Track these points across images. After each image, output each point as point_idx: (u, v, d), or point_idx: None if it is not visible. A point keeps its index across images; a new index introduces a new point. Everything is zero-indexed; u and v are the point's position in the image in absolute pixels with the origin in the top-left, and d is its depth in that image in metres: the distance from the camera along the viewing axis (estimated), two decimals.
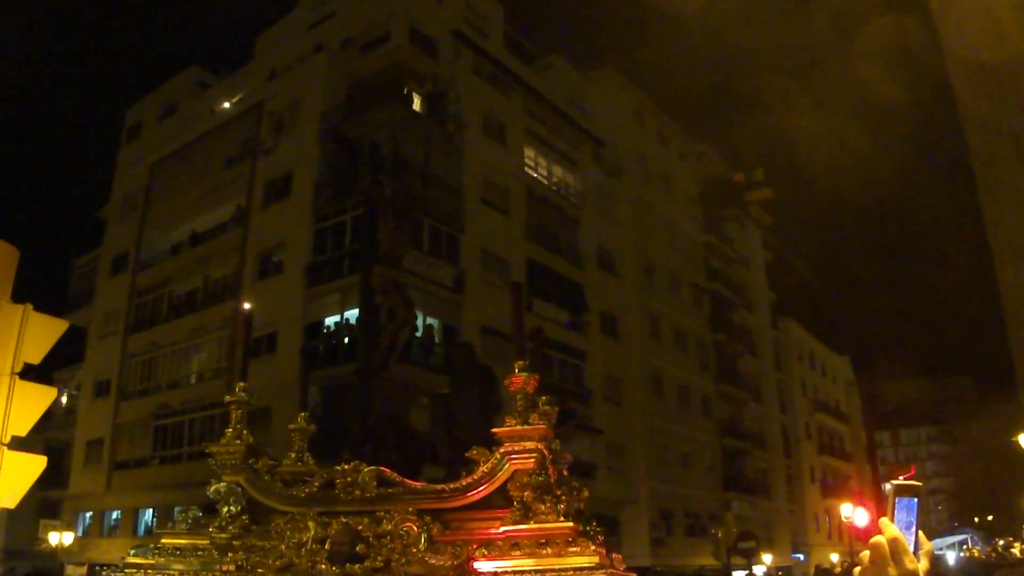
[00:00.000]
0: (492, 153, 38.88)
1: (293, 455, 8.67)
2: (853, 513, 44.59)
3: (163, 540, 7.73)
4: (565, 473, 7.90)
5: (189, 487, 34.71)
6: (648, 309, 47.98)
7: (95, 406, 43.29)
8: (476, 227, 36.15)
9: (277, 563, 7.32)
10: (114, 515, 41.96)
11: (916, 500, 1.99)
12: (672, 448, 48.45)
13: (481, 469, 7.40)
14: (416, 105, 35.98)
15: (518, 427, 7.35)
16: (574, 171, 45.02)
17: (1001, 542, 50.43)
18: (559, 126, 44.21)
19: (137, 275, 42.88)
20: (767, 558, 48.05)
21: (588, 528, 7.40)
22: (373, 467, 7.41)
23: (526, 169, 41.59)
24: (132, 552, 7.74)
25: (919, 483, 2.02)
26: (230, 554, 7.42)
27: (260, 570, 7.31)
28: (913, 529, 1.94)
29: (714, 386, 53.43)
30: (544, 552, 6.89)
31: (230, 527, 7.61)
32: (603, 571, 6.95)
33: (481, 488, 7.38)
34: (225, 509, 7.70)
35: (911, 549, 1.93)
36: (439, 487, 7.43)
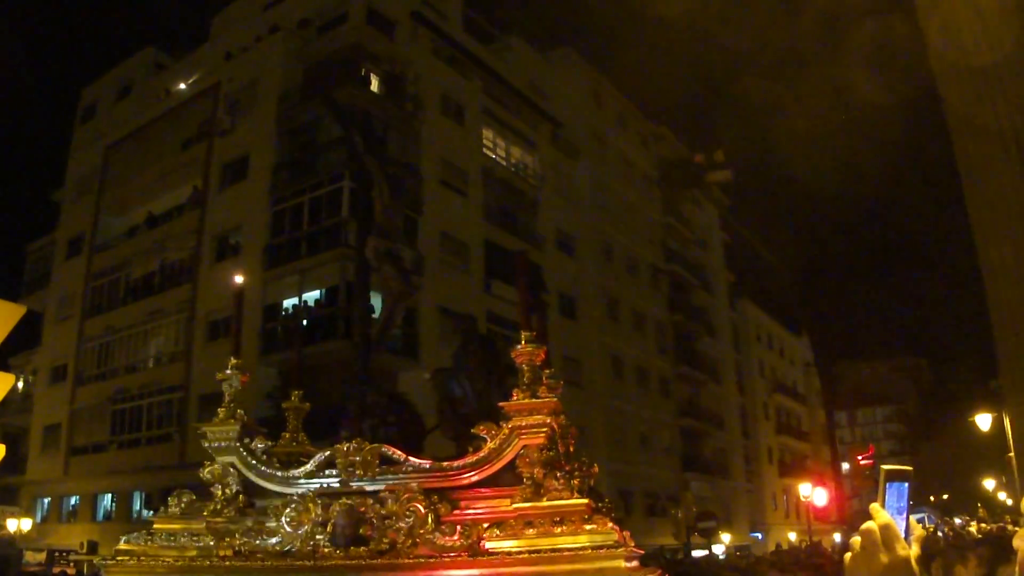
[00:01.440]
0: (450, 134, 38.63)
1: (287, 435, 8.35)
2: (812, 493, 44.95)
3: (156, 525, 7.37)
4: (571, 449, 7.64)
5: (148, 472, 34.33)
6: (606, 290, 47.94)
7: (52, 391, 42.73)
8: (434, 209, 35.90)
9: (276, 547, 7.00)
10: (72, 500, 41.43)
11: (907, 485, 1.89)
12: (631, 429, 48.53)
13: (489, 445, 7.11)
14: (374, 86, 35.60)
15: (526, 401, 7.06)
16: (533, 152, 44.84)
17: (958, 521, 50.99)
18: (518, 107, 43.95)
19: (93, 258, 42.11)
20: (726, 537, 48.29)
21: (601, 505, 7.18)
22: (376, 445, 7.12)
23: (484, 151, 41.37)
24: (124, 539, 7.38)
25: (910, 468, 1.92)
26: (227, 539, 7.10)
27: (259, 555, 7.01)
28: (904, 515, 1.87)
29: (672, 367, 53.56)
30: (559, 530, 6.64)
31: (225, 511, 7.28)
32: (622, 549, 6.74)
33: (490, 465, 7.08)
34: (220, 492, 7.37)
35: (902, 535, 1.86)
36: (445, 464, 7.14)
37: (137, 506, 37.55)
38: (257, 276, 32.81)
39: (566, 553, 6.52)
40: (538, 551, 6.55)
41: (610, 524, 6.91)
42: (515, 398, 7.18)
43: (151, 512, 29.85)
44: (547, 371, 7.66)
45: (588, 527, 6.71)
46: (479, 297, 37.99)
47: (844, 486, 57.60)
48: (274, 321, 32.65)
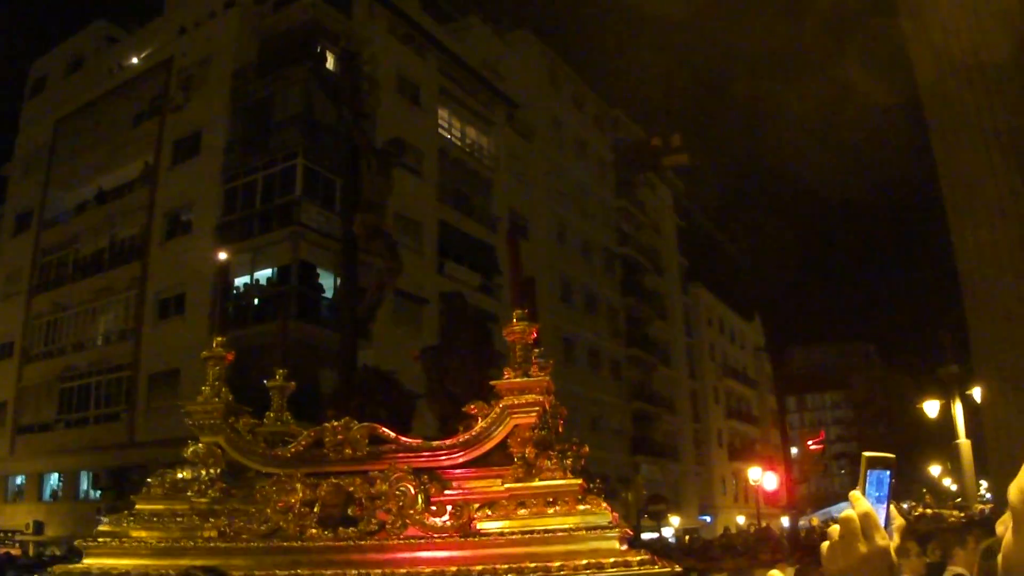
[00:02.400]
0: (406, 114, 38.35)
1: (272, 414, 8.19)
2: (762, 477, 45.29)
3: (138, 506, 7.18)
4: (560, 429, 7.54)
5: (96, 451, 33.92)
6: (560, 273, 47.93)
7: None
8: None
9: (263, 528, 6.84)
10: (18, 480, 40.73)
11: (889, 473, 1.86)
12: (582, 411, 48.58)
13: (480, 424, 6.99)
14: (329, 64, 35.22)
15: (518, 379, 6.95)
16: (488, 133, 44.68)
17: (905, 505, 51.70)
18: (474, 87, 43.74)
19: (41, 234, 41.36)
20: (675, 520, 48.67)
21: (592, 486, 7.09)
22: (365, 423, 6.98)
23: (440, 131, 41.17)
24: (105, 520, 7.19)
25: (892, 455, 1.88)
26: (211, 519, 6.93)
27: (244, 536, 6.85)
28: (885, 504, 1.82)
29: (624, 350, 53.71)
30: (551, 511, 6.55)
31: (210, 491, 7.12)
32: (616, 530, 6.66)
33: (480, 445, 6.96)
34: (204, 472, 7.19)
35: (882, 525, 1.80)
36: (436, 444, 7.02)
37: (84, 486, 37.04)
38: (208, 254, 32.43)
39: (559, 534, 6.42)
40: (530, 532, 6.44)
41: (604, 505, 6.85)
42: (506, 377, 7.11)
43: (99, 492, 29.41)
44: (536, 350, 7.59)
45: (581, 508, 6.62)
46: (432, 277, 37.83)
47: (794, 470, 58.17)
48: (225, 299, 32.24)
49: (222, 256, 9.10)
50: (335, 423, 6.96)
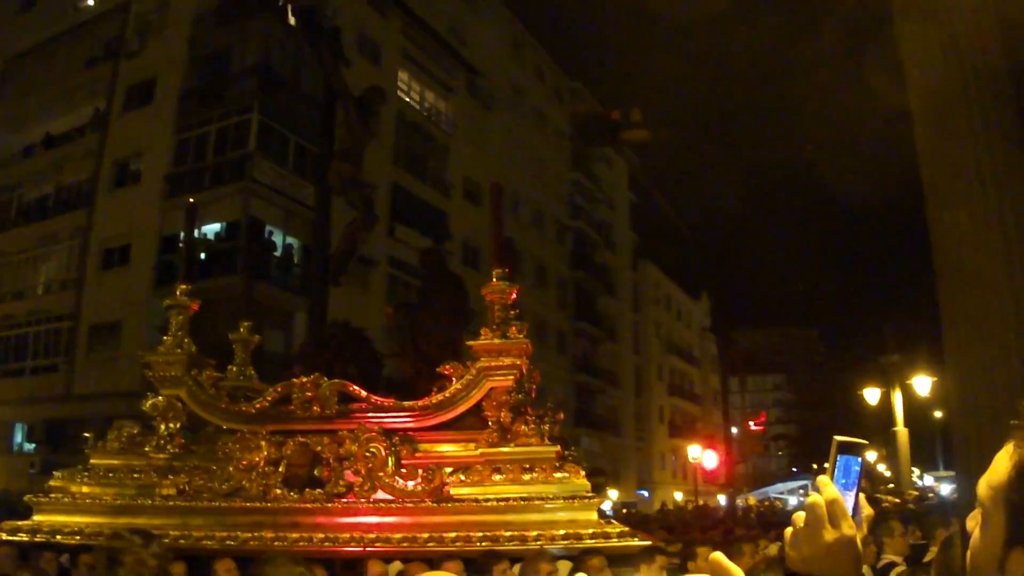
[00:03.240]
0: (365, 74, 37.72)
1: (234, 368, 7.84)
2: (702, 455, 45.51)
3: (92, 460, 6.84)
4: (534, 394, 7.28)
5: (31, 403, 33.32)
6: (511, 242, 47.75)
7: None
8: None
9: (224, 487, 6.53)
10: None
11: (859, 460, 1.72)
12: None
13: (455, 386, 6.75)
14: (290, 18, 34.61)
15: (496, 341, 6.72)
16: (447, 99, 44.18)
17: None
18: (436, 52, 43.14)
19: None
20: (613, 494, 48.77)
21: (568, 453, 6.86)
22: (335, 381, 6.69)
23: (399, 93, 40.60)
24: (58, 475, 6.82)
25: (864, 441, 1.74)
26: (170, 476, 6.60)
27: (205, 495, 6.53)
28: (853, 491, 1.69)
29: (571, 323, 53.56)
30: (528, 477, 6.32)
31: (169, 447, 6.79)
32: (596, 499, 6.45)
33: (455, 407, 6.74)
34: (163, 426, 6.85)
35: (849, 512, 1.67)
36: (408, 404, 6.75)
37: (19, 438, 36.27)
38: (156, 205, 31.79)
39: (536, 502, 6.23)
40: (506, 499, 6.24)
41: (582, 473, 6.62)
42: (483, 337, 6.85)
43: (33, 445, 28.59)
44: (512, 312, 7.32)
45: (559, 475, 6.39)
46: (383, 240, 37.41)
47: (734, 450, 58.47)
48: (171, 253, 31.68)
49: (191, 200, 8.56)
50: (304, 379, 6.68)
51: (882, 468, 65.09)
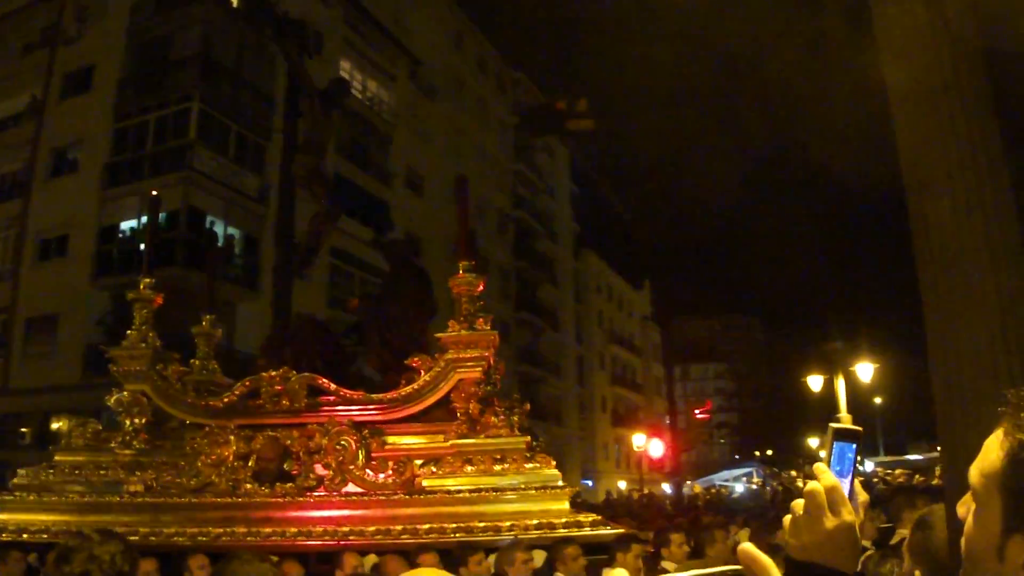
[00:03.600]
0: (307, 62, 37.39)
1: (197, 362, 7.74)
2: (647, 444, 45.81)
3: (57, 457, 6.74)
4: (499, 385, 7.29)
5: None
6: (453, 233, 47.61)
7: None
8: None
9: (193, 482, 6.47)
10: None
11: (855, 447, 1.73)
12: None
13: (424, 378, 6.74)
14: (233, 2, 34.22)
15: (464, 333, 6.74)
16: (390, 88, 43.98)
17: (785, 476, 52.86)
18: (378, 41, 42.90)
19: None
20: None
21: (536, 444, 6.88)
22: (305, 374, 6.65)
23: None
24: (22, 472, 6.70)
25: (859, 428, 1.75)
26: (137, 473, 6.53)
27: (173, 491, 6.46)
28: (849, 478, 1.70)
29: (514, 313, 53.56)
30: (499, 468, 6.34)
31: (135, 442, 6.71)
32: (568, 489, 6.48)
33: (424, 399, 6.74)
34: (128, 422, 6.76)
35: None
36: (376, 397, 6.73)
37: None
38: (94, 195, 31.35)
39: (508, 493, 6.27)
40: (479, 490, 6.27)
41: (553, 463, 6.65)
42: (451, 329, 6.86)
43: None
44: (480, 303, 7.33)
45: (530, 466, 6.42)
46: (290, 232, 37.17)
47: (679, 439, 58.97)
48: (110, 244, 31.23)
49: (154, 193, 8.42)
50: (272, 372, 6.63)
51: (824, 454, 66.26)
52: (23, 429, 32.33)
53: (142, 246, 30.57)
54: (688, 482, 53.69)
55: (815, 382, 27.82)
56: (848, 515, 1.62)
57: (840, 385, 24.29)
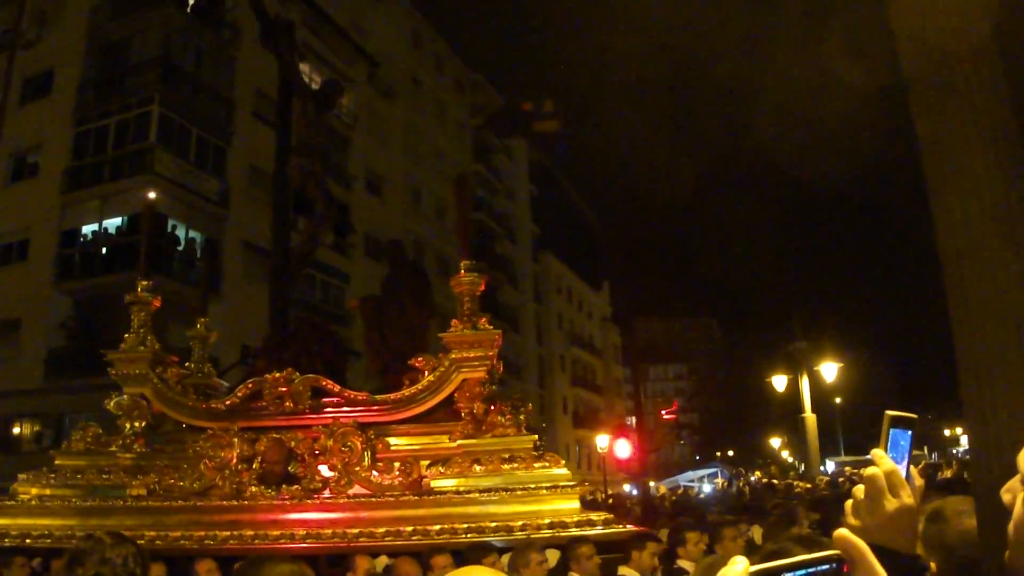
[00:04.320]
0: (266, 65, 37.17)
1: (192, 365, 7.64)
2: (613, 444, 45.79)
3: (58, 461, 6.63)
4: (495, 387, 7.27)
5: None
6: (413, 235, 47.42)
7: None
8: (245, 140, 34.65)
9: (196, 485, 6.40)
10: None
11: (910, 434, 1.79)
12: None
13: (427, 378, 6.71)
14: (190, 9, 33.99)
15: (468, 332, 6.72)
16: (348, 90, 43.88)
17: (752, 476, 53.04)
18: (336, 42, 42.71)
19: None
20: None
21: (539, 443, 6.86)
22: (308, 375, 6.60)
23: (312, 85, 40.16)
24: (23, 477, 6.59)
25: (914, 415, 1.79)
26: (139, 476, 6.46)
27: (176, 494, 6.39)
28: (906, 463, 1.75)
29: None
30: (508, 468, 6.32)
31: (135, 446, 6.63)
32: (579, 488, 6.47)
33: (428, 399, 6.70)
34: (128, 425, 6.68)
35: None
36: (380, 398, 6.69)
37: None
38: (55, 199, 31.08)
39: (519, 492, 6.24)
40: (488, 490, 6.24)
41: (562, 462, 6.63)
42: (454, 329, 6.84)
43: None
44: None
45: (539, 465, 6.39)
46: (286, 234, 37.03)
47: (646, 439, 58.99)
48: (71, 247, 30.96)
49: (152, 196, 8.32)
50: (276, 374, 6.58)
51: (786, 454, 66.63)
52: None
53: (104, 249, 30.42)
54: (652, 483, 53.76)
55: (779, 382, 27.92)
56: (908, 498, 1.66)
57: (805, 384, 24.43)
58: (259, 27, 10.76)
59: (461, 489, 6.19)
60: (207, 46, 33.89)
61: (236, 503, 6.25)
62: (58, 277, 30.86)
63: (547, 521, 6.00)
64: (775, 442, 67.08)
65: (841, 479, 30.75)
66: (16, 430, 30.97)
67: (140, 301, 6.92)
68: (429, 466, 6.40)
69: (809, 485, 24.40)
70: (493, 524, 5.99)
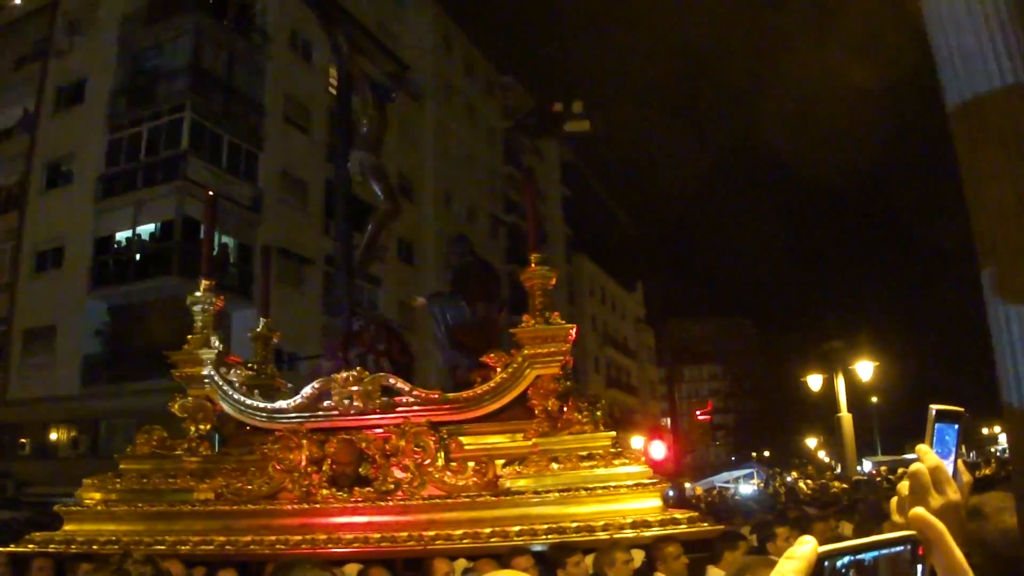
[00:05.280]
0: (297, 70, 37.34)
1: (254, 366, 7.44)
2: (649, 446, 45.56)
3: (122, 465, 6.45)
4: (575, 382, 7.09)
5: None
6: (445, 237, 47.38)
7: None
8: (276, 145, 34.65)
9: (264, 488, 6.21)
10: None
11: (957, 428, 1.70)
12: None
13: (500, 375, 6.50)
14: (220, 16, 34.03)
15: (541, 327, 6.51)
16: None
17: (788, 478, 52.56)
18: (367, 48, 42.78)
19: None
20: None
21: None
22: (379, 374, 6.41)
23: (330, 89, 40.21)
24: (88, 482, 6.41)
25: (961, 409, 1.70)
26: (206, 480, 6.29)
27: (245, 498, 6.21)
28: (952, 458, 1.68)
29: (507, 317, 53.52)
30: (586, 465, 6.10)
31: (201, 449, 6.45)
32: (660, 485, 6.26)
33: (501, 397, 6.50)
34: (193, 428, 6.49)
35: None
36: (452, 396, 6.49)
37: None
38: (89, 206, 31.23)
39: (599, 491, 5.98)
40: (567, 489, 5.98)
41: (643, 459, 6.42)
42: (525, 324, 6.65)
43: None
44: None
45: (618, 462, 6.16)
46: (318, 238, 36.99)
47: (681, 440, 58.71)
48: (105, 254, 31.08)
49: (211, 193, 8.15)
50: (345, 374, 6.39)
51: (822, 455, 66.08)
52: (22, 439, 32.13)
53: (137, 256, 30.46)
54: (687, 484, 53.47)
55: (814, 381, 27.65)
56: (953, 494, 1.63)
57: (840, 384, 24.16)
58: (316, 19, 10.47)
59: (539, 489, 5.98)
60: (238, 52, 33.95)
61: (307, 506, 6.06)
62: (93, 284, 31.04)
63: (630, 520, 5.78)
64: (811, 442, 66.53)
65: (878, 479, 30.43)
66: (53, 436, 31.11)
67: (203, 302, 6.74)
68: (504, 465, 6.18)
69: (845, 485, 24.09)
70: (574, 524, 5.78)
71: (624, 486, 5.97)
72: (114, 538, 6.02)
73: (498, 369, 6.56)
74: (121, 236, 31.53)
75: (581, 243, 65.00)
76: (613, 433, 6.32)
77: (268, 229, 33.35)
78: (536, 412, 6.41)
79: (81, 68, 33.71)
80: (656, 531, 5.70)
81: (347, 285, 8.12)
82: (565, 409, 6.39)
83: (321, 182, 37.94)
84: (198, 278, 6.90)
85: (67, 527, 6.22)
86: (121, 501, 6.24)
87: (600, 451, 6.16)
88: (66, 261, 32.15)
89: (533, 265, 6.58)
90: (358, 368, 6.41)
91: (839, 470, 35.70)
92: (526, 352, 6.47)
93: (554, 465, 6.07)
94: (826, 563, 1.02)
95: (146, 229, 31.28)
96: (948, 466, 1.64)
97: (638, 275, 70.69)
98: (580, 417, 6.26)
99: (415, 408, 6.43)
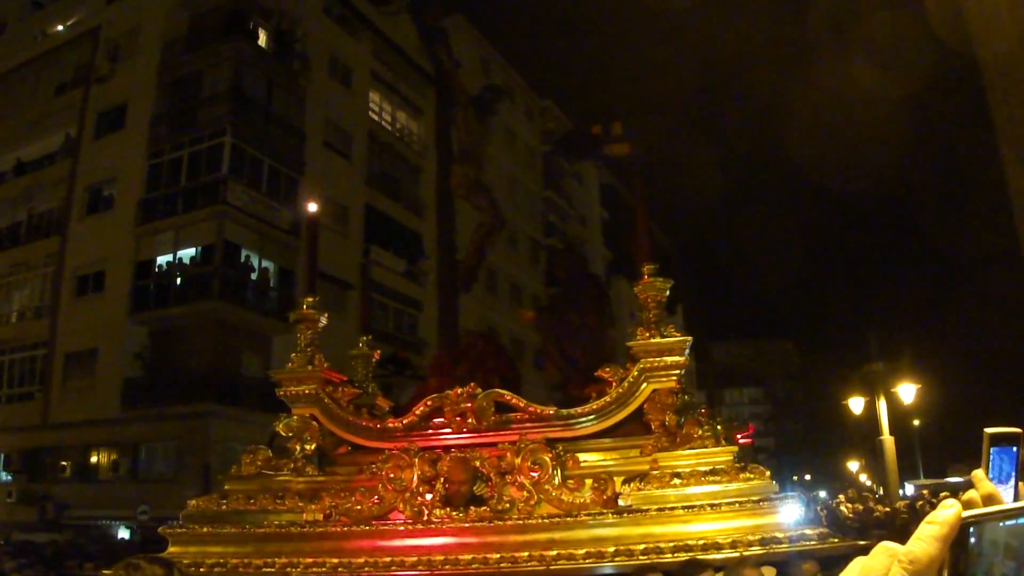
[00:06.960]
0: (336, 95, 37.43)
1: (359, 385, 7.22)
2: None
3: (227, 486, 6.25)
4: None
5: (7, 432, 32.69)
6: (485, 261, 47.23)
7: None
8: (316, 170, 34.72)
9: (375, 509, 6.03)
10: None
11: (1016, 450, 1.52)
12: None
13: (615, 390, 6.29)
14: (261, 41, 34.08)
15: (656, 340, 6.30)
16: (418, 118, 43.88)
17: (832, 501, 51.89)
18: (405, 72, 42.77)
19: None
20: None
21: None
22: (491, 390, 6.20)
23: (370, 114, 40.27)
24: (192, 503, 6.22)
25: (1019, 430, 1.52)
26: (315, 501, 6.09)
27: (356, 519, 6.00)
28: (1010, 483, 1.50)
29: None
30: (710, 480, 5.87)
31: (307, 469, 6.25)
32: (788, 501, 6.02)
33: (618, 412, 6.29)
34: (298, 447, 6.29)
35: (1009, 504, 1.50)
36: (566, 412, 6.28)
37: None
38: (130, 231, 31.38)
39: (724, 508, 5.68)
40: (692, 506, 5.69)
41: (768, 473, 6.19)
42: (639, 337, 6.45)
43: (11, 475, 27.78)
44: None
45: (744, 476, 5.93)
46: (357, 262, 37.01)
47: None
48: (146, 278, 31.17)
49: (313, 208, 7.99)
50: (458, 390, 6.18)
51: (864, 478, 65.37)
52: (63, 462, 32.23)
53: (178, 280, 30.49)
54: None
55: (856, 404, 27.40)
56: None
57: (882, 407, 23.84)
58: (417, 34, 10.40)
59: (663, 506, 5.75)
60: (278, 78, 34.10)
61: (421, 527, 5.84)
62: (133, 308, 31.24)
63: (758, 537, 5.53)
64: (853, 465, 65.85)
65: (920, 503, 29.93)
66: (93, 459, 31.19)
67: (306, 319, 6.56)
68: (624, 483, 5.96)
69: (887, 508, 23.75)
70: (701, 542, 5.53)
71: (750, 501, 5.74)
72: (222, 560, 5.83)
73: (613, 383, 6.35)
74: (162, 260, 31.70)
75: (621, 266, 64.80)
76: (735, 448, 6.11)
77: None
78: (653, 427, 6.20)
79: (122, 94, 34.01)
80: (787, 547, 5.48)
81: (453, 301, 7.95)
82: (684, 423, 6.17)
83: (361, 206, 37.94)
84: (307, 291, 6.72)
85: (172, 549, 6.02)
86: (228, 523, 6.03)
87: (724, 466, 5.93)
88: (107, 285, 32.38)
89: (646, 277, 6.38)
90: (471, 384, 6.20)
91: (880, 493, 35.33)
92: (641, 366, 6.27)
93: (676, 481, 5.84)
94: (972, 529, 0.99)
95: (187, 253, 31.42)
96: (1007, 492, 1.48)
97: (677, 298, 70.35)
98: (701, 432, 6.05)
99: (528, 424, 6.22)
